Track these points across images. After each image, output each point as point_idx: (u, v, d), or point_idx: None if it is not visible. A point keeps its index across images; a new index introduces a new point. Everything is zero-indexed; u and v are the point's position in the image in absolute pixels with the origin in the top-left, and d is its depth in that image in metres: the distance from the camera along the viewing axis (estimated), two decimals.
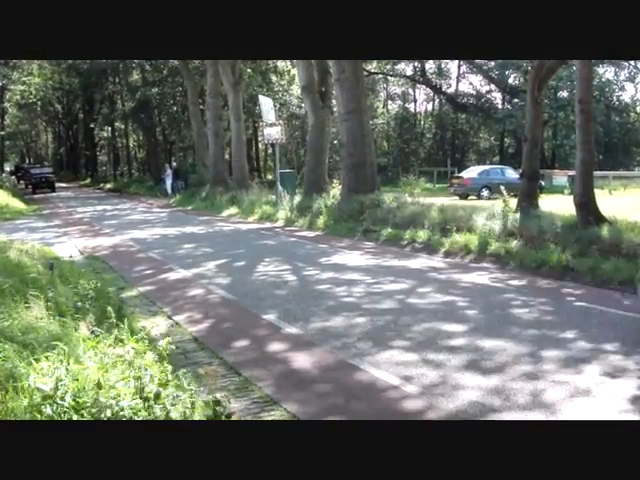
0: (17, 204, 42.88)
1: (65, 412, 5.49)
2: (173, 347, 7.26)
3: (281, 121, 38.70)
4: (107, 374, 6.04)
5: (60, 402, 5.57)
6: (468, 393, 7.94)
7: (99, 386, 5.69)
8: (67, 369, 5.96)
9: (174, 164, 56.93)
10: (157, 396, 5.86)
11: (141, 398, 5.80)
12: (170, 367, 6.68)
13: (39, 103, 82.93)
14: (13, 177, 72.97)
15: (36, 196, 59.10)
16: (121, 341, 7.26)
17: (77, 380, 5.82)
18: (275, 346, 10.35)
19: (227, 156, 53.69)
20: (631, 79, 73.50)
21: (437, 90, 78.99)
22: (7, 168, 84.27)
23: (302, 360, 9.57)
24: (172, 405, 5.87)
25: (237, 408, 7.46)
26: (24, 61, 71.52)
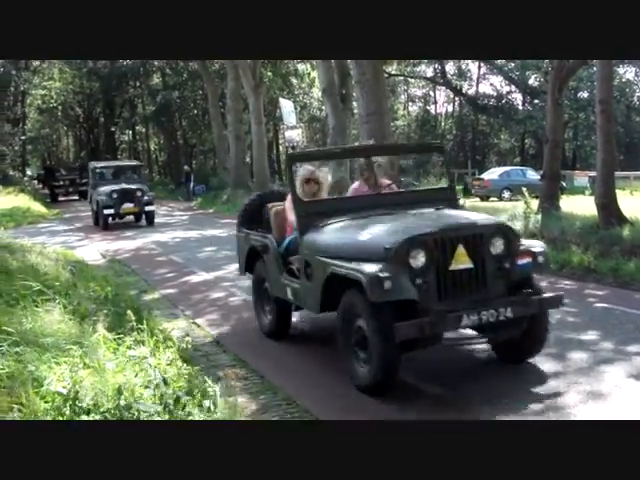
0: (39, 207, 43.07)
1: (85, 414, 5.52)
2: (193, 349, 7.30)
3: (302, 124, 38.75)
4: (127, 377, 6.06)
5: (79, 405, 5.60)
6: (491, 394, 7.91)
7: (119, 391, 5.71)
8: (86, 372, 5.99)
9: (186, 167, 57.09)
10: (177, 400, 5.88)
11: (161, 403, 5.82)
12: (191, 369, 6.70)
13: (60, 107, 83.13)
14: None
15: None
16: (141, 343, 7.28)
17: (97, 383, 5.85)
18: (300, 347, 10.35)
19: (248, 159, 53.75)
20: None
21: (458, 91, 78.78)
22: (29, 172, 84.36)
23: (323, 365, 9.55)
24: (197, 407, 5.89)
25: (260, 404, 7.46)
26: (45, 65, 71.98)
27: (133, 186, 31.87)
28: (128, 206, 31.22)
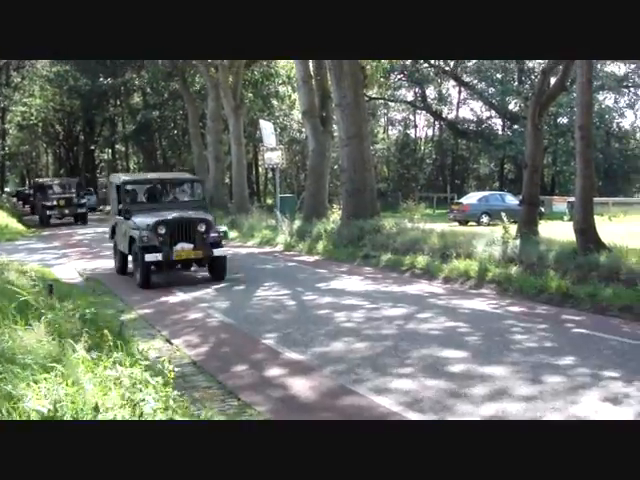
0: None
1: None
2: (171, 368, 7.27)
3: (282, 146, 38.80)
4: (105, 397, 6.02)
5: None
6: (468, 419, 7.91)
7: (96, 409, 5.69)
8: (66, 392, 5.95)
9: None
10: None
11: None
12: (169, 390, 6.67)
13: (40, 124, 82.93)
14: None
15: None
16: (120, 364, 7.25)
17: (74, 402, 5.81)
18: (274, 371, 10.34)
19: (227, 180, 53.76)
20: (631, 106, 73.85)
21: (438, 116, 79.25)
22: (7, 189, 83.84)
23: (301, 385, 9.55)
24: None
25: None
26: (26, 82, 71.79)
27: (192, 215, 20.08)
28: (184, 248, 19.03)
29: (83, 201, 49.95)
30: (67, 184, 51.94)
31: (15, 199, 70.74)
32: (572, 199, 29.65)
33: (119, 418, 5.75)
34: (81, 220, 48.72)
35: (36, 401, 5.72)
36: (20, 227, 42.54)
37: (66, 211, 48.63)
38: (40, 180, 60.81)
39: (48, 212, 48.44)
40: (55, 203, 48.23)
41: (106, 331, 8.28)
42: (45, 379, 6.30)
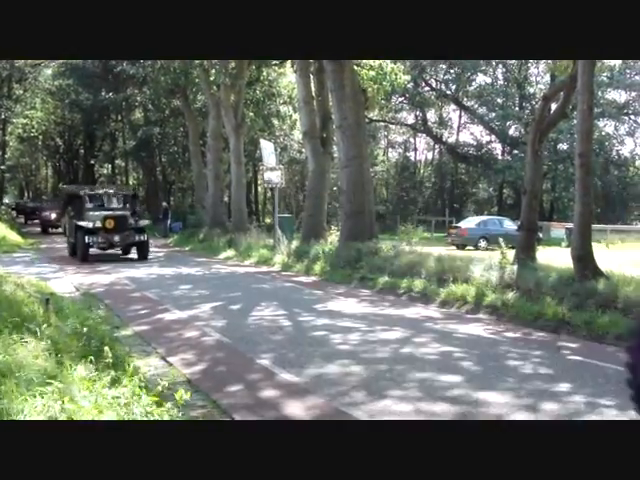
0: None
1: None
2: (165, 387, 7.26)
3: (281, 165, 38.85)
4: (102, 415, 6.02)
5: None
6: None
7: None
8: (62, 408, 5.95)
9: (164, 204, 57.29)
10: None
11: None
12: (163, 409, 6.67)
13: (40, 137, 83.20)
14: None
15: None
16: (117, 382, 7.24)
17: (71, 419, 5.81)
18: (269, 391, 10.31)
19: (226, 198, 53.82)
20: (631, 133, 74.10)
21: (438, 139, 79.44)
22: (6, 200, 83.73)
23: (295, 406, 9.53)
24: None
25: None
26: (27, 94, 71.96)
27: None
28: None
29: (143, 223, 35.25)
30: (117, 196, 35.78)
31: (14, 212, 70.47)
32: (570, 225, 29.79)
33: None
34: (140, 252, 33.56)
35: (32, 417, 5.72)
36: (18, 239, 42.53)
37: (116, 238, 32.37)
38: (73, 188, 41.06)
39: (87, 239, 31.83)
40: (99, 225, 31.78)
41: (106, 348, 8.28)
42: (41, 395, 6.30)
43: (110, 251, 33.88)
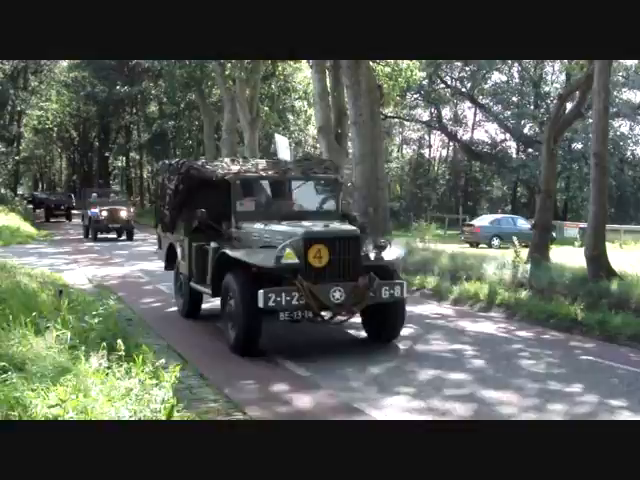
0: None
1: None
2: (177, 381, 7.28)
3: None
4: (115, 407, 6.03)
5: None
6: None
7: None
8: (75, 400, 5.96)
9: None
10: None
11: None
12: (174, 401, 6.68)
13: (55, 129, 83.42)
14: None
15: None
16: (130, 373, 7.25)
17: (84, 413, 5.82)
18: (278, 386, 10.31)
19: None
20: None
21: (452, 137, 79.18)
22: (20, 191, 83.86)
23: (306, 400, 9.53)
24: None
25: None
26: (43, 86, 72.13)
27: None
28: None
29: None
30: None
31: (30, 205, 69.95)
32: (584, 225, 29.66)
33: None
34: None
35: (45, 409, 5.73)
36: (32, 230, 42.61)
37: None
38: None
39: None
40: None
41: (119, 340, 8.30)
42: (55, 388, 6.31)
43: None
